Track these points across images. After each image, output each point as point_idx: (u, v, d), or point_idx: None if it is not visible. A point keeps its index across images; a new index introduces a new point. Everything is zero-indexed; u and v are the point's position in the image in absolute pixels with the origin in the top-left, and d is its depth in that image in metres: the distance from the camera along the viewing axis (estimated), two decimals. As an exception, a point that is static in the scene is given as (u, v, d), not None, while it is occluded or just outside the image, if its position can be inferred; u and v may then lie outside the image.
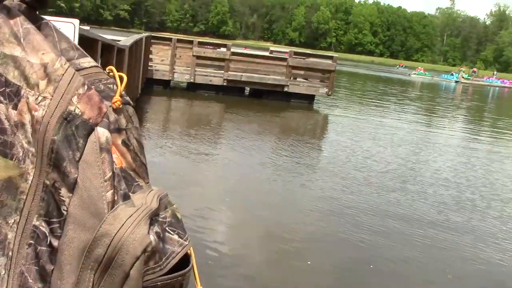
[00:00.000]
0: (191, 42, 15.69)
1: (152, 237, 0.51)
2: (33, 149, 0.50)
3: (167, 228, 0.54)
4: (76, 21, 2.82)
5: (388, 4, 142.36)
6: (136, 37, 10.48)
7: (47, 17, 0.61)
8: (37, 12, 0.57)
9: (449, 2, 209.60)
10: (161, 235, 0.53)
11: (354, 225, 5.30)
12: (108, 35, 10.44)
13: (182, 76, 15.32)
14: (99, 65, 0.60)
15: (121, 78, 0.58)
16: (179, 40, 15.90)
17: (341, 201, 6.03)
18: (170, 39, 15.80)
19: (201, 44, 15.93)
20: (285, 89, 15.60)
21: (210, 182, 6.31)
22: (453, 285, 4.28)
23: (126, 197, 0.52)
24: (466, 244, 5.12)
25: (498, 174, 8.76)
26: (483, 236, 5.42)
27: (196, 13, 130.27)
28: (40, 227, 0.49)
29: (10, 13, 0.51)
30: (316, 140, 10.70)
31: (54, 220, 0.49)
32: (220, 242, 4.52)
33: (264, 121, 12.43)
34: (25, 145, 0.50)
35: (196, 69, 15.14)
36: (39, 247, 0.49)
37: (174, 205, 0.59)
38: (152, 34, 16.92)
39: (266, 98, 15.59)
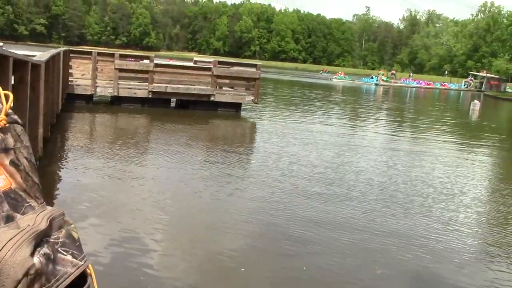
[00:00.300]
0: (112, 55, 15.34)
1: (37, 259, 0.49)
2: None
3: (59, 249, 0.53)
4: (-19, 38, 2.65)
5: (308, 12, 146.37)
6: (53, 51, 10.10)
7: None
8: None
9: (364, 8, 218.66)
10: (52, 256, 0.51)
11: (283, 230, 5.38)
12: (24, 51, 9.99)
13: (105, 90, 14.92)
14: None
15: (6, 97, 0.56)
16: (99, 53, 15.50)
17: (269, 208, 6.11)
18: (90, 53, 15.35)
19: (122, 56, 15.60)
20: (212, 98, 15.61)
21: (136, 198, 6.18)
22: (381, 279, 4.44)
23: (9, 219, 0.51)
24: (391, 241, 5.34)
25: (417, 170, 9.21)
26: (406, 232, 5.67)
27: (117, 25, 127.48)
28: None
29: None
30: (244, 148, 10.78)
31: None
32: (153, 257, 4.43)
33: (192, 131, 12.36)
34: None
35: (119, 82, 14.81)
36: None
37: (72, 225, 0.58)
38: (71, 48, 16.39)
39: (193, 108, 15.54)
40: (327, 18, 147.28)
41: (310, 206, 6.28)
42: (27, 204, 0.55)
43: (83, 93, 14.68)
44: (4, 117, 0.54)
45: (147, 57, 16.14)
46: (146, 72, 15.07)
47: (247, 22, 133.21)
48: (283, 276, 4.35)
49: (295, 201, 6.45)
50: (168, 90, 15.22)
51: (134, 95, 15.02)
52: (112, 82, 14.77)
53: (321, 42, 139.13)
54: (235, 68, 16.83)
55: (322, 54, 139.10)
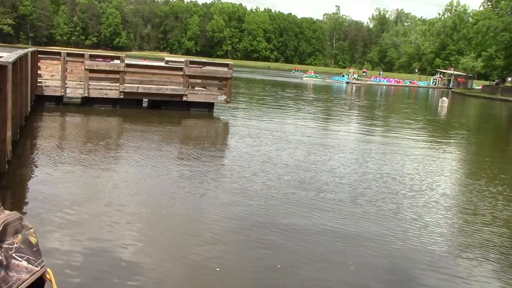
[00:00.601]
0: (82, 55, 15.12)
1: None
2: None
3: (14, 255, 0.52)
4: None
5: (279, 11, 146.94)
6: (20, 52, 9.92)
7: None
8: None
9: (334, 7, 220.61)
10: (4, 262, 0.50)
11: (257, 229, 5.43)
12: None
13: (75, 91, 14.72)
14: None
15: None
16: (69, 54, 15.26)
17: (241, 208, 6.15)
18: (59, 53, 15.11)
19: (92, 57, 15.41)
20: (184, 98, 15.56)
21: (109, 200, 6.13)
22: (355, 272, 4.53)
23: None
24: (364, 236, 5.44)
25: (387, 167, 9.38)
26: (378, 228, 5.78)
27: (86, 25, 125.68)
28: None
29: None
30: (216, 148, 10.78)
31: None
32: (126, 258, 4.42)
33: (164, 132, 12.30)
34: None
35: (89, 83, 14.63)
36: None
37: (31, 229, 0.57)
38: (39, 49, 16.11)
39: (165, 108, 15.47)
40: (298, 17, 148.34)
41: (281, 206, 6.34)
42: None
43: (52, 95, 14.45)
44: None
45: (118, 57, 15.98)
46: (117, 72, 14.92)
47: (219, 22, 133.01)
48: (257, 276, 4.39)
49: (267, 202, 6.50)
50: (140, 91, 15.11)
51: (105, 96, 14.86)
52: (83, 83, 14.58)
53: (293, 41, 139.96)
54: (207, 67, 16.81)
55: (294, 53, 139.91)
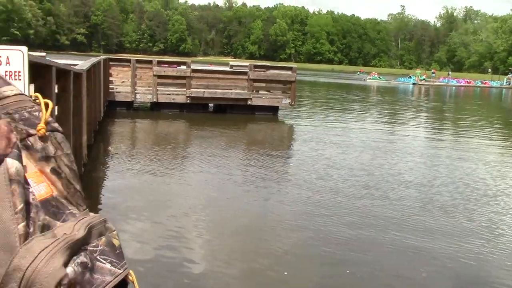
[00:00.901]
0: (150, 62, 15.66)
1: (71, 269, 0.49)
2: None
3: (98, 257, 0.53)
4: (24, 48, 2.69)
5: (342, 13, 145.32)
6: (93, 60, 10.40)
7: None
8: None
9: (399, 7, 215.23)
10: (89, 265, 0.51)
11: (325, 235, 5.37)
12: (66, 60, 10.33)
13: (144, 96, 15.24)
14: (24, 93, 0.58)
15: (46, 105, 0.56)
16: (138, 61, 15.86)
17: (308, 212, 6.11)
18: (129, 60, 15.72)
19: (160, 63, 15.90)
20: (248, 102, 15.71)
21: (179, 203, 6.28)
22: (428, 281, 4.39)
23: (46, 228, 0.51)
24: (435, 244, 5.26)
25: (459, 172, 9.02)
26: (450, 235, 5.57)
27: (154, 32, 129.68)
28: None
29: None
30: (282, 151, 10.80)
31: None
32: (196, 262, 4.51)
33: (230, 135, 12.47)
34: None
35: (158, 88, 15.11)
36: None
37: (114, 232, 0.58)
38: (110, 56, 16.80)
39: (231, 112, 15.68)
40: (362, 18, 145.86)
41: (349, 209, 6.24)
42: (68, 212, 0.55)
43: (123, 100, 15.03)
44: (44, 125, 0.54)
45: (184, 63, 16.38)
46: (184, 78, 15.31)
47: (281, 25, 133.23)
48: (326, 281, 4.35)
49: (332, 208, 6.43)
50: (206, 95, 15.41)
51: (172, 101, 15.28)
52: (151, 88, 15.07)
53: (357, 43, 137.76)
54: (271, 71, 16.88)
55: (358, 55, 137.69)
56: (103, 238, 0.55)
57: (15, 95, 0.56)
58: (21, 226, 0.48)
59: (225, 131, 13.01)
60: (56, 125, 0.57)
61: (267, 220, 5.77)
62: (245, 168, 8.43)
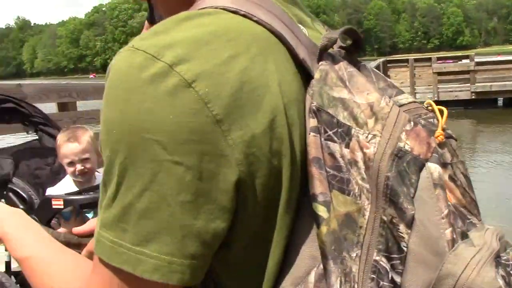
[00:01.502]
0: (429, 59, 15.26)
1: (501, 281, 0.48)
2: (367, 185, 0.51)
3: (510, 272, 0.51)
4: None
5: None
6: (373, 64, 10.56)
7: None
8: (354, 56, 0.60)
9: None
10: (507, 280, 0.50)
11: None
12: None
13: (424, 95, 14.79)
14: (416, 101, 0.60)
15: (441, 112, 0.58)
16: (416, 60, 15.61)
17: None
18: (406, 60, 15.64)
19: (439, 59, 15.31)
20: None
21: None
22: None
23: (464, 236, 0.51)
24: None
25: None
26: None
27: (427, 29, 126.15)
28: (381, 262, 0.50)
29: (334, 59, 0.55)
30: None
31: (395, 256, 0.50)
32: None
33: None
34: (360, 182, 0.51)
35: (438, 86, 14.54)
36: (381, 282, 0.49)
37: None
38: (387, 58, 16.93)
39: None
40: None
41: None
42: (468, 221, 0.54)
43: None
44: (442, 132, 0.55)
45: (466, 57, 15.44)
46: (467, 72, 14.37)
47: None
48: None
49: None
50: (493, 89, 14.13)
51: (455, 98, 14.45)
52: (431, 86, 14.59)
53: None
54: None
55: None
56: (511, 252, 0.54)
57: (409, 103, 0.59)
58: (448, 231, 0.50)
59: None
60: (450, 131, 0.58)
61: None
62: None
